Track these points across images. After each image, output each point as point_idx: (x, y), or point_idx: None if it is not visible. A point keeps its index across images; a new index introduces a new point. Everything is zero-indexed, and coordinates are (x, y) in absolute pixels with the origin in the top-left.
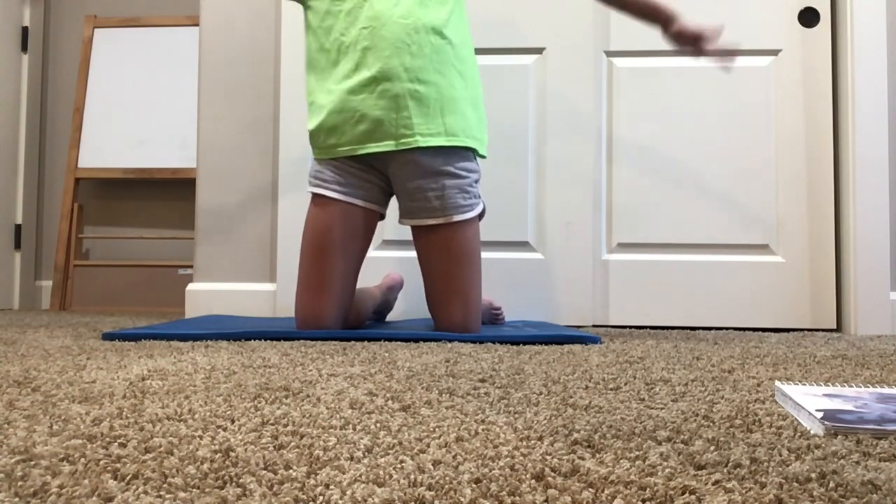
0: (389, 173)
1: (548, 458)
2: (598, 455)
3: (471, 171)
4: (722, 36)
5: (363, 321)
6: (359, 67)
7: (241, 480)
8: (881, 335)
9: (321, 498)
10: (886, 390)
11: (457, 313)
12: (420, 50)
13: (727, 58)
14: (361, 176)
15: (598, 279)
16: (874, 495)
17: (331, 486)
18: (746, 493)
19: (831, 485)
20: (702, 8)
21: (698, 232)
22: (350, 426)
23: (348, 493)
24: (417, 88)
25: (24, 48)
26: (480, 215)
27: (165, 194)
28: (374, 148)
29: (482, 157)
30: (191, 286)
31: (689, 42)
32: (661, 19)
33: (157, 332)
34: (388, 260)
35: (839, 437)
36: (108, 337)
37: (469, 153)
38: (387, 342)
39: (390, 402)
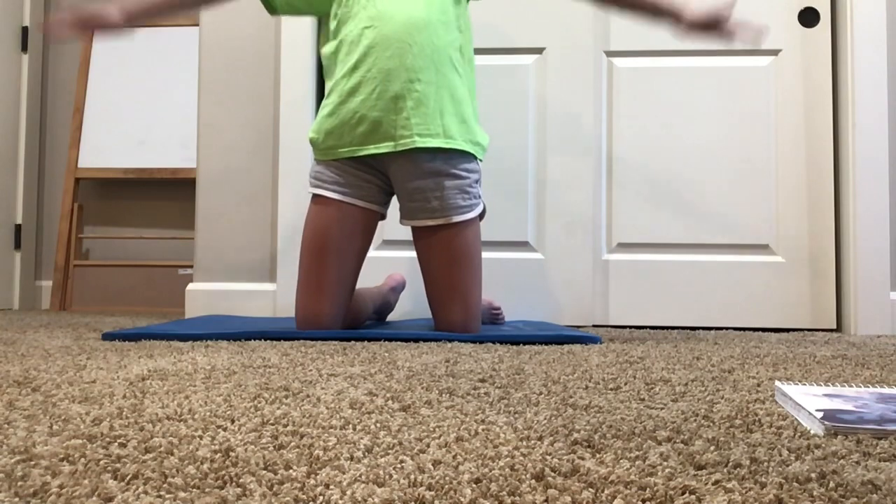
0: (389, 174)
1: (548, 458)
2: (598, 455)
3: (471, 171)
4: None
5: (363, 321)
6: (359, 66)
7: (241, 480)
8: (881, 335)
9: (321, 498)
10: (886, 390)
11: (457, 313)
12: (421, 50)
13: (754, 35)
14: (361, 176)
15: (598, 279)
16: (874, 495)
17: (331, 486)
18: (746, 493)
19: (831, 485)
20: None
21: (698, 232)
22: (350, 426)
23: (348, 493)
24: (417, 88)
25: (24, 48)
26: (481, 215)
27: (165, 194)
28: (373, 149)
29: (480, 160)
30: (191, 286)
31: (706, 30)
32: (668, 15)
33: (157, 332)
34: (389, 260)
35: (839, 437)
36: (108, 337)
37: (469, 153)
38: (387, 342)
39: (390, 402)
